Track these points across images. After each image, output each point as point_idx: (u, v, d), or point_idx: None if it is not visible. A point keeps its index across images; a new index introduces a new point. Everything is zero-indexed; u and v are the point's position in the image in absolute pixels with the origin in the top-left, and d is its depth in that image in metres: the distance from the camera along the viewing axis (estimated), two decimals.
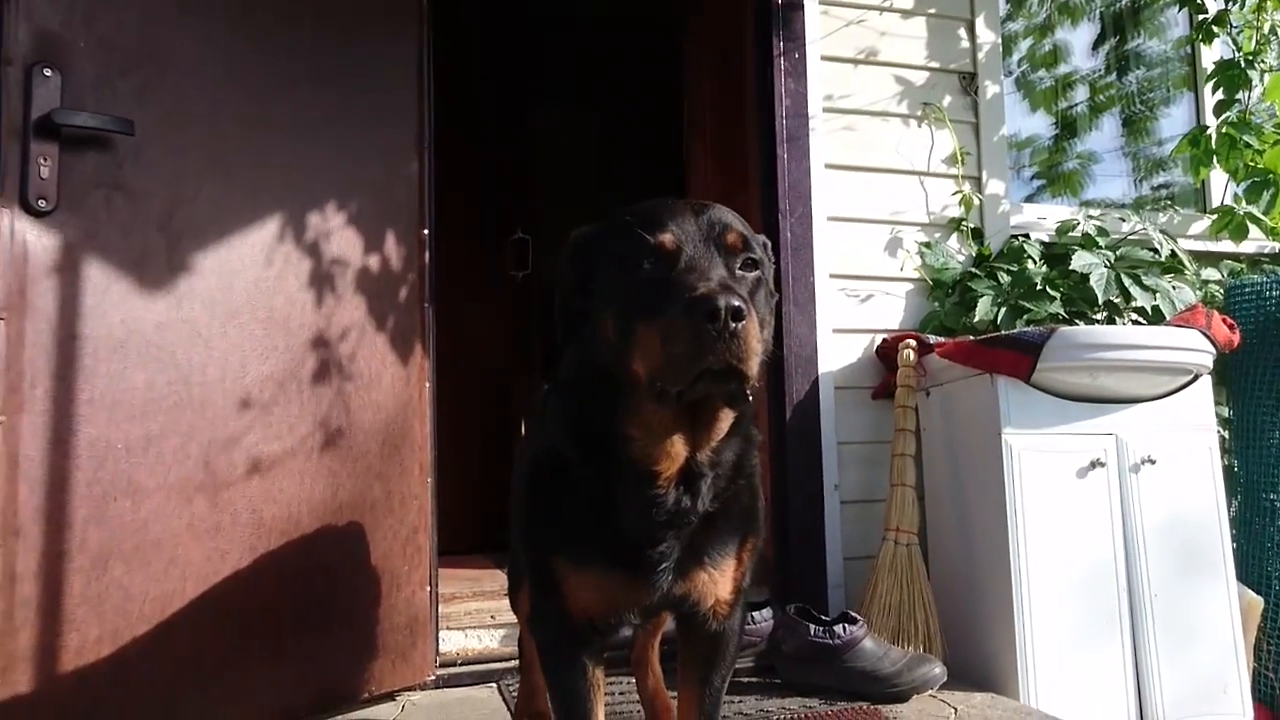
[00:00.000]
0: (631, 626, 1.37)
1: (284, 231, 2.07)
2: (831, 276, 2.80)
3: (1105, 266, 2.78)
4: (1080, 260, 2.78)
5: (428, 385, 2.30)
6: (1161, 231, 3.03)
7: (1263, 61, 2.99)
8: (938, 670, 2.22)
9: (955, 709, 2.14)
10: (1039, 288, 2.76)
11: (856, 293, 2.84)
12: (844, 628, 2.22)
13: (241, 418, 1.96)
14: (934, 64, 3.01)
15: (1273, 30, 3.02)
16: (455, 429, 3.08)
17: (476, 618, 2.56)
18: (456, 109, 3.30)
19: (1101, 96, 3.69)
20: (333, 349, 2.12)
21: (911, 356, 2.63)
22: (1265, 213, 2.99)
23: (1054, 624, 2.27)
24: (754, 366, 1.09)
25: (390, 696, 2.20)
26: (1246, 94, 2.99)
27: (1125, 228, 3.05)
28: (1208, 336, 2.47)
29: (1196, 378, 2.49)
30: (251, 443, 1.97)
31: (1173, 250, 2.98)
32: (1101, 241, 2.91)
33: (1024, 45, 3.52)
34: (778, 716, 2.06)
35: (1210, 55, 3.38)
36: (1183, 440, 2.48)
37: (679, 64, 3.82)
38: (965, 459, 2.51)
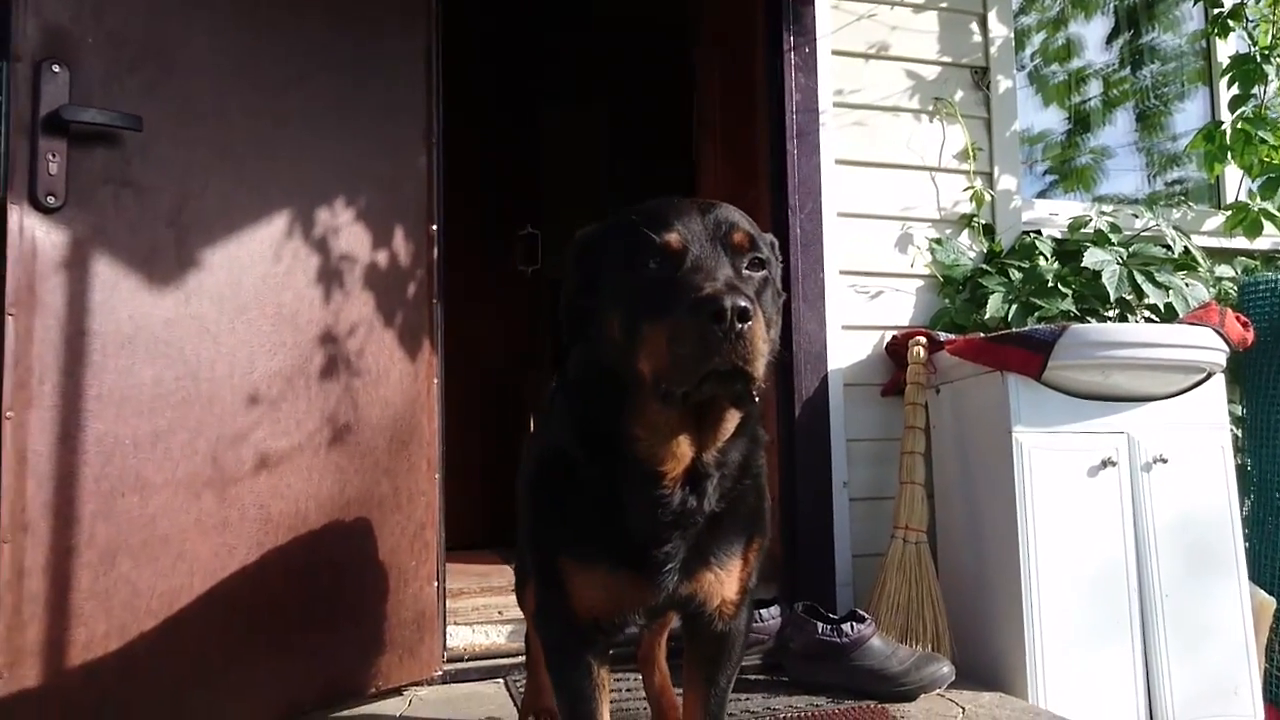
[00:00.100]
0: (637, 626, 1.36)
1: (292, 226, 2.07)
2: (841, 273, 2.79)
3: (1117, 263, 2.75)
4: (1092, 257, 2.75)
5: (436, 381, 2.30)
6: (1175, 228, 3.00)
7: (1279, 56, 2.95)
8: (946, 669, 2.21)
9: (963, 708, 2.13)
10: (1050, 285, 2.74)
11: (866, 289, 2.83)
12: (852, 626, 2.21)
13: (249, 413, 1.97)
14: (946, 58, 2.99)
15: None
16: (464, 425, 3.08)
17: (484, 613, 2.56)
18: (465, 107, 3.30)
19: (1115, 91, 3.65)
20: (341, 345, 2.12)
21: (922, 354, 2.61)
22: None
23: (1064, 623, 2.26)
24: (760, 367, 1.08)
25: (397, 691, 2.21)
26: (1262, 89, 2.96)
27: (1138, 224, 3.03)
28: (1221, 334, 2.45)
29: (1209, 376, 2.47)
30: (259, 438, 1.98)
31: (1186, 247, 2.95)
32: (1114, 238, 2.89)
33: (1037, 39, 3.49)
34: (785, 714, 2.06)
35: (1225, 50, 3.34)
36: (1195, 439, 2.46)
37: (687, 63, 3.80)
38: (975, 457, 2.49)
